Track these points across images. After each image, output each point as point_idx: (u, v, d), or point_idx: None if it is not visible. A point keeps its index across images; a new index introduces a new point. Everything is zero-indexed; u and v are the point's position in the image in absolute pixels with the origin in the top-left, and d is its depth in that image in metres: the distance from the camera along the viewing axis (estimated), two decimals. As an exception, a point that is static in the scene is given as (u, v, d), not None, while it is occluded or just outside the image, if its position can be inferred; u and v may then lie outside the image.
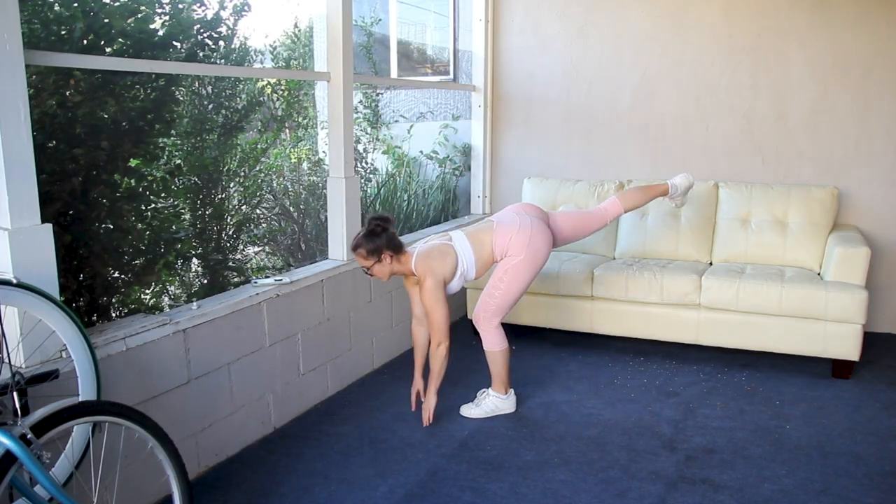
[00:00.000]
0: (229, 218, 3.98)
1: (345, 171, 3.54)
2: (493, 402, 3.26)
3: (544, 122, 5.00)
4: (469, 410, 3.26)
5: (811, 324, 3.59)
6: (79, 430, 2.00)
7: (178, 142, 3.54)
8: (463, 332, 4.36)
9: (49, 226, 2.17)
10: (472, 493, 2.61)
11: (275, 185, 4.64)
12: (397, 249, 3.04)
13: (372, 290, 3.80)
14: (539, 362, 3.93)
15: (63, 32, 2.72)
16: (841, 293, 3.52)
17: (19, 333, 2.06)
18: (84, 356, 2.04)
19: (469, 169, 5.30)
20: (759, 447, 2.92)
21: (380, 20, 6.07)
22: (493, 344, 3.21)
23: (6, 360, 1.87)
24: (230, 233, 4.00)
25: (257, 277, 3.36)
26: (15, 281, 1.90)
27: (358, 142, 5.43)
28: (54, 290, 2.16)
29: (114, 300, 3.07)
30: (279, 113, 4.59)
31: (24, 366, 2.08)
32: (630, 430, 3.10)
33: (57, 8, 2.79)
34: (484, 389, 3.34)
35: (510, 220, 3.21)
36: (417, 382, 3.29)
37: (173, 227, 3.31)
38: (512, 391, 3.31)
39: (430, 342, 3.13)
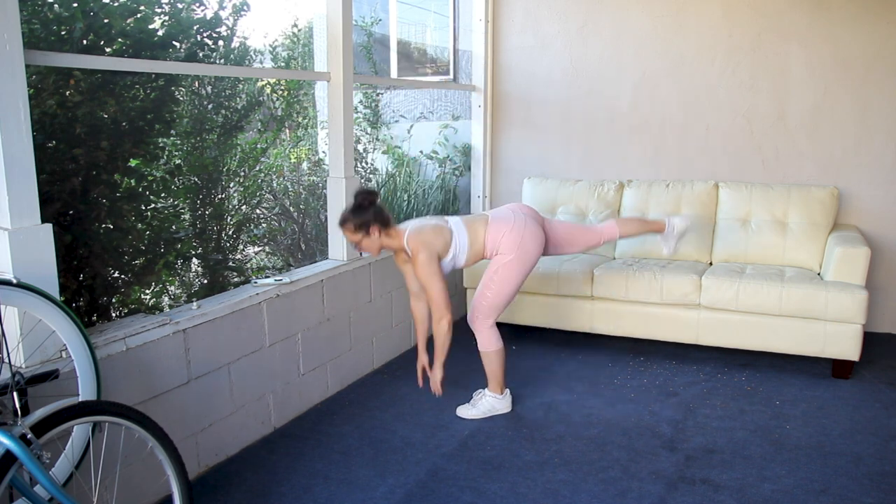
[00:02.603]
0: (229, 218, 3.98)
1: (345, 171, 3.55)
2: (489, 403, 3.27)
3: (544, 122, 5.00)
4: (466, 411, 3.27)
5: (811, 324, 3.59)
6: (79, 430, 2.00)
7: (178, 142, 3.54)
8: (463, 333, 4.35)
9: (49, 226, 2.17)
10: (472, 493, 2.61)
11: (275, 185, 4.64)
12: (385, 223, 3.01)
13: (372, 290, 3.80)
14: (539, 362, 3.93)
15: (63, 32, 2.72)
16: (841, 293, 3.52)
17: (19, 333, 2.06)
18: (84, 356, 2.04)
19: (469, 169, 5.30)
20: (759, 447, 2.92)
21: (380, 20, 6.07)
22: (488, 344, 3.22)
23: (6, 360, 1.87)
24: (230, 233, 3.99)
25: (257, 277, 3.37)
26: (15, 281, 1.90)
27: (358, 142, 5.42)
28: (54, 290, 2.16)
29: (114, 300, 3.07)
30: (279, 113, 4.59)
31: (24, 366, 2.08)
32: (630, 430, 3.10)
33: (57, 8, 2.79)
34: (480, 390, 3.35)
35: (505, 216, 3.20)
36: (422, 358, 3.27)
37: (173, 227, 3.31)
38: (508, 391, 3.32)
39: (430, 317, 3.13)
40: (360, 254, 3.09)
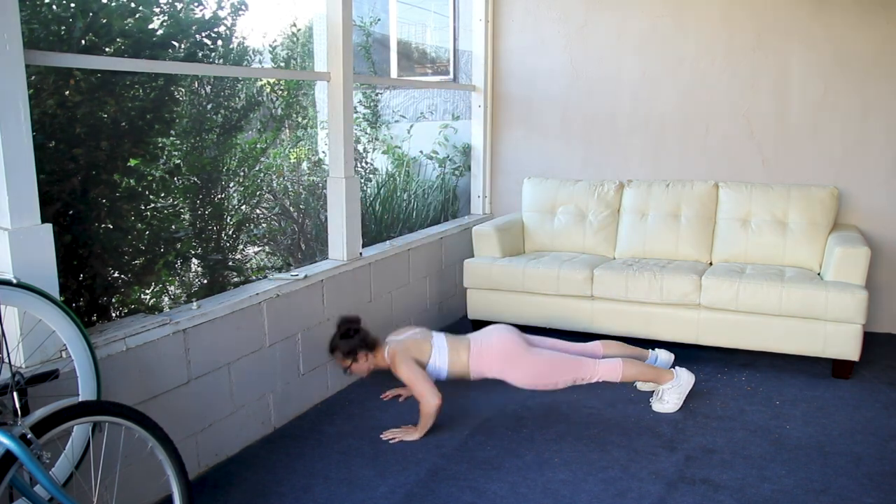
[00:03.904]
0: (229, 218, 3.98)
1: (345, 171, 3.54)
2: (674, 395, 3.25)
3: (544, 122, 5.00)
4: (660, 407, 3.26)
5: (811, 324, 3.59)
6: (79, 430, 1.99)
7: (178, 142, 3.54)
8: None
9: (49, 226, 2.17)
10: (472, 493, 2.60)
11: (274, 184, 4.65)
12: (372, 347, 3.16)
13: (372, 290, 3.80)
14: (539, 362, 3.92)
15: (63, 32, 2.72)
16: (841, 293, 3.52)
17: (19, 333, 2.06)
18: (84, 356, 2.04)
19: (469, 169, 5.30)
20: (759, 447, 2.92)
21: (379, 20, 6.07)
22: (613, 373, 3.14)
23: (6, 360, 1.87)
24: (230, 233, 4.00)
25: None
26: (15, 281, 1.90)
27: (358, 142, 5.43)
28: (54, 290, 2.16)
29: (114, 300, 3.07)
30: (278, 112, 4.59)
31: (24, 366, 2.08)
32: (630, 430, 3.10)
33: (56, 8, 2.79)
34: (656, 387, 3.30)
35: (486, 349, 3.16)
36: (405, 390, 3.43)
37: (173, 226, 3.31)
38: (676, 368, 3.28)
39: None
40: (349, 373, 3.22)
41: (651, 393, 3.37)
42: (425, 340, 3.19)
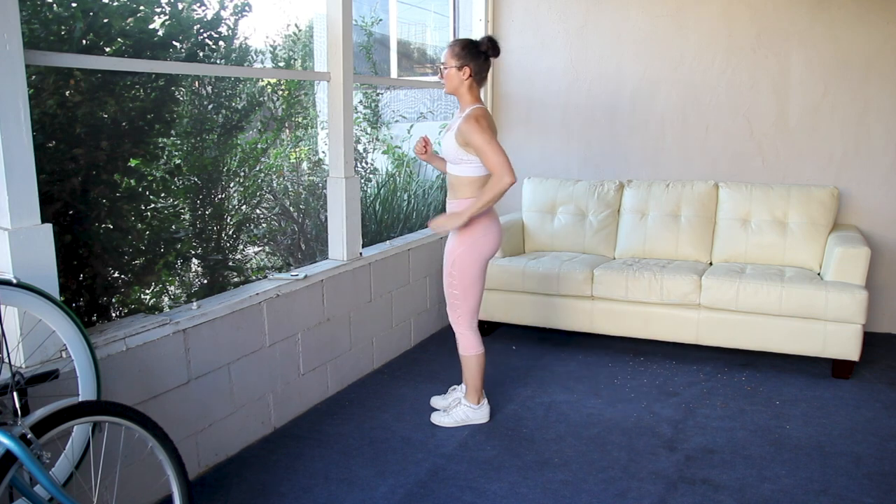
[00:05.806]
0: (229, 218, 3.98)
1: (345, 171, 3.54)
2: (463, 412, 3.16)
3: (544, 122, 5.00)
4: (439, 419, 3.18)
5: (811, 324, 3.59)
6: (79, 430, 1.99)
7: (178, 142, 3.54)
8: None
9: (49, 226, 2.17)
10: (472, 493, 2.61)
11: (275, 185, 4.65)
12: (479, 78, 2.95)
13: (372, 290, 3.80)
14: (539, 362, 3.93)
15: (63, 32, 2.72)
16: (841, 293, 3.52)
17: (19, 333, 2.06)
18: (84, 356, 2.04)
19: (469, 169, 5.29)
20: (759, 447, 2.92)
21: (380, 20, 6.07)
22: (467, 348, 3.10)
23: (6, 360, 1.87)
24: (230, 233, 4.00)
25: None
26: (15, 281, 1.90)
27: (358, 142, 5.43)
28: (54, 290, 2.16)
29: (114, 300, 3.07)
30: (279, 113, 4.59)
31: (24, 366, 2.08)
32: (630, 430, 3.10)
33: (57, 8, 2.79)
34: (455, 387, 3.26)
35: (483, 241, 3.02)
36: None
37: (173, 226, 3.31)
38: (485, 401, 3.20)
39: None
40: (440, 78, 2.98)
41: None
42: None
